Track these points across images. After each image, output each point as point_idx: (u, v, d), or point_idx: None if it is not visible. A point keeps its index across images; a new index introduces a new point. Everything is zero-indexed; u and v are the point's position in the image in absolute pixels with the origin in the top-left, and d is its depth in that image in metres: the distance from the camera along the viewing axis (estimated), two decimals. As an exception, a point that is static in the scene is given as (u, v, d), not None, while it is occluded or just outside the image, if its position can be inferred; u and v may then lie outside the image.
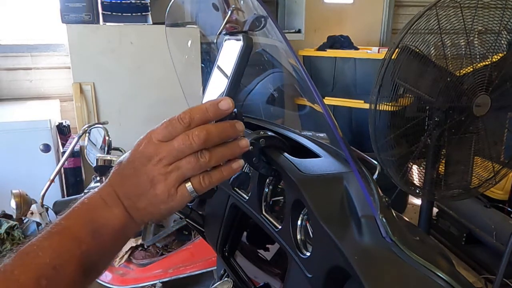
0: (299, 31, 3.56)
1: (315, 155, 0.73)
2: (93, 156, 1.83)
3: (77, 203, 0.53)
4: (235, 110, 0.61)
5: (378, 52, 3.08)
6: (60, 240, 0.50)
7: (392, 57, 1.53)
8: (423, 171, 1.74)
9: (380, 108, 1.58)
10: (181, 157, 0.50)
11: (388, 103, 1.58)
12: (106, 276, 1.91)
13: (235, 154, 0.53)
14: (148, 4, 2.61)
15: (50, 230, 0.51)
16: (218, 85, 0.62)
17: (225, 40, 0.67)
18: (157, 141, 0.50)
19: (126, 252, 2.05)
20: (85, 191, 1.75)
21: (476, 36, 1.60)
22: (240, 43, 0.60)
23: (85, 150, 2.05)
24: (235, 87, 0.57)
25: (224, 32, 0.70)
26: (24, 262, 0.48)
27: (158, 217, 0.54)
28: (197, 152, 0.50)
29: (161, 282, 1.89)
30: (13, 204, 1.80)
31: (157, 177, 0.50)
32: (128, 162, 0.52)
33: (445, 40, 1.56)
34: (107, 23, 2.59)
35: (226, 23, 0.69)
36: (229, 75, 0.58)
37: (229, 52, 0.63)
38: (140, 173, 0.51)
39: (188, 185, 0.51)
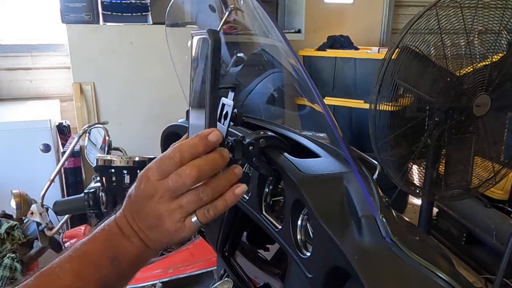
0: (299, 31, 3.56)
1: (315, 155, 0.73)
2: (93, 156, 1.84)
3: (98, 230, 0.56)
4: (235, 110, 0.61)
5: (378, 52, 3.08)
6: (80, 264, 0.53)
7: (392, 57, 1.53)
8: (423, 171, 1.74)
9: (380, 108, 1.58)
10: (180, 194, 0.51)
11: (388, 103, 1.58)
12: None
13: (233, 182, 0.54)
14: (148, 4, 2.61)
15: (71, 254, 0.53)
16: (200, 96, 0.58)
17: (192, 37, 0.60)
18: (154, 179, 0.52)
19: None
20: (85, 191, 1.75)
21: (476, 36, 1.60)
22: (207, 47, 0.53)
23: (85, 150, 2.05)
24: (215, 98, 0.53)
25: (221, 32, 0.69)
26: (46, 283, 0.51)
27: (172, 244, 0.56)
28: (199, 189, 0.52)
29: (161, 282, 1.89)
30: (13, 204, 1.80)
31: (163, 214, 0.52)
32: (135, 198, 0.54)
33: (445, 40, 1.56)
34: (107, 23, 2.60)
35: (224, 24, 0.68)
36: (206, 100, 0.54)
37: (200, 56, 0.57)
38: (146, 209, 0.53)
39: (194, 218, 0.53)
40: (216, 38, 0.52)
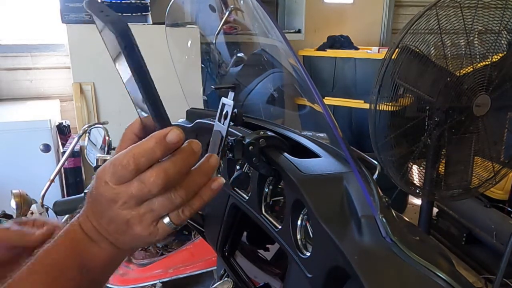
0: (299, 31, 3.56)
1: (315, 155, 0.73)
2: (93, 156, 1.83)
3: (61, 234, 0.49)
4: (235, 110, 0.61)
5: (378, 52, 3.08)
6: (47, 277, 0.47)
7: (392, 57, 1.53)
8: (423, 171, 1.74)
9: (380, 108, 1.58)
10: (146, 200, 0.45)
11: (388, 103, 1.58)
12: (106, 276, 1.91)
13: (209, 176, 0.48)
14: (148, 4, 2.61)
15: (32, 267, 0.47)
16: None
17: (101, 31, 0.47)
18: (112, 184, 0.44)
19: (126, 252, 2.05)
20: (85, 191, 1.74)
21: (476, 36, 1.60)
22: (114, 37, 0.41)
23: (85, 150, 2.05)
24: (155, 96, 0.45)
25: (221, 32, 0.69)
26: None
27: (145, 246, 0.52)
28: (170, 191, 0.45)
29: (161, 282, 1.89)
30: (13, 204, 1.80)
31: (132, 220, 0.46)
32: (97, 198, 0.47)
33: (445, 40, 1.56)
34: (107, 23, 2.60)
35: (224, 24, 0.68)
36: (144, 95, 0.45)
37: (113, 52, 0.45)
38: (111, 214, 0.46)
39: (167, 220, 0.47)
40: (123, 29, 0.40)
